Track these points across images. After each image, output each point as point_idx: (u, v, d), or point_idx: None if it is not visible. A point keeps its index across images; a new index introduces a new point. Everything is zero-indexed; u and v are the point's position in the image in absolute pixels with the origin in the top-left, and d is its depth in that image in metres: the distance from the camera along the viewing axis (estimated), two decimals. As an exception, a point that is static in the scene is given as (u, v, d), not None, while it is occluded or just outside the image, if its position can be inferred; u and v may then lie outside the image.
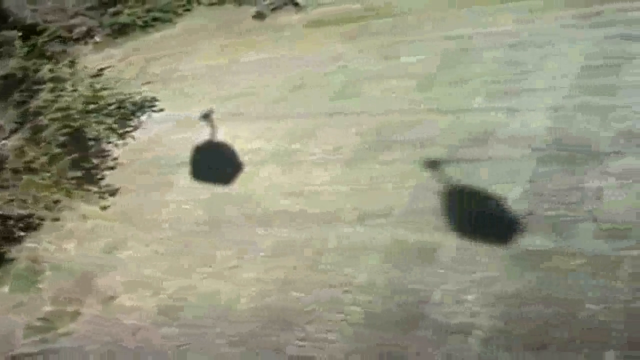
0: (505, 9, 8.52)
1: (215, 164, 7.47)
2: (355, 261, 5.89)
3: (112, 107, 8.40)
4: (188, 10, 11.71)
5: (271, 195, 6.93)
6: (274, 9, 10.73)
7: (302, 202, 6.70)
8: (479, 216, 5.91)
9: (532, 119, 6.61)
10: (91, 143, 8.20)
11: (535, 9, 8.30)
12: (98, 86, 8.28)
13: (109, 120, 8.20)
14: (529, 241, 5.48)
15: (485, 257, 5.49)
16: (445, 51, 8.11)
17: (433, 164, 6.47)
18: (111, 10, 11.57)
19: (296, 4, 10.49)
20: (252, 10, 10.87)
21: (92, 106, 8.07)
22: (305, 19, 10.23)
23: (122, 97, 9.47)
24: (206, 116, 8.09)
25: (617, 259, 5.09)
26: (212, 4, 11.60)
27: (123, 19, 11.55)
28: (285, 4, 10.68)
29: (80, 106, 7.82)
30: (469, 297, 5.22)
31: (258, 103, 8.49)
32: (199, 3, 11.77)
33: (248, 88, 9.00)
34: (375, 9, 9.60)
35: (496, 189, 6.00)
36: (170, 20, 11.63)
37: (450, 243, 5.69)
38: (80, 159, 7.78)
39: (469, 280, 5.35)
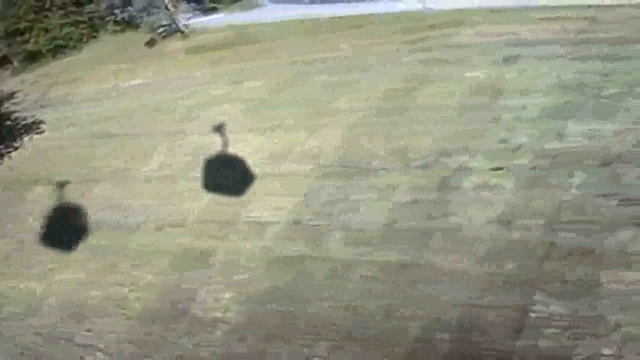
0: (349, 35, 9.19)
1: (227, 176, 7.55)
2: (146, 265, 6.49)
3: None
4: (94, 37, 12.55)
5: (96, 208, 7.57)
6: (165, 37, 11.54)
7: (120, 214, 7.33)
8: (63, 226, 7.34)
9: (327, 138, 7.20)
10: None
11: (374, 35, 8.95)
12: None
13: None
14: (289, 247, 6.04)
15: (250, 261, 6.04)
16: (284, 75, 8.77)
17: (60, 184, 7.82)
18: (19, 39, 12.47)
19: (182, 32, 11.30)
20: (147, 37, 11.71)
21: None
22: (187, 46, 11.01)
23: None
24: (218, 129, 8.16)
25: (355, 262, 5.63)
26: (115, 32, 12.45)
27: (30, 47, 12.45)
28: (175, 32, 11.49)
29: None
30: (226, 296, 5.79)
31: (119, 125, 9.16)
32: (106, 30, 12.61)
33: (118, 111, 9.71)
34: (246, 37, 10.32)
35: (274, 201, 6.58)
36: (76, 47, 12.49)
37: (224, 249, 6.27)
38: None
39: (231, 281, 5.92)
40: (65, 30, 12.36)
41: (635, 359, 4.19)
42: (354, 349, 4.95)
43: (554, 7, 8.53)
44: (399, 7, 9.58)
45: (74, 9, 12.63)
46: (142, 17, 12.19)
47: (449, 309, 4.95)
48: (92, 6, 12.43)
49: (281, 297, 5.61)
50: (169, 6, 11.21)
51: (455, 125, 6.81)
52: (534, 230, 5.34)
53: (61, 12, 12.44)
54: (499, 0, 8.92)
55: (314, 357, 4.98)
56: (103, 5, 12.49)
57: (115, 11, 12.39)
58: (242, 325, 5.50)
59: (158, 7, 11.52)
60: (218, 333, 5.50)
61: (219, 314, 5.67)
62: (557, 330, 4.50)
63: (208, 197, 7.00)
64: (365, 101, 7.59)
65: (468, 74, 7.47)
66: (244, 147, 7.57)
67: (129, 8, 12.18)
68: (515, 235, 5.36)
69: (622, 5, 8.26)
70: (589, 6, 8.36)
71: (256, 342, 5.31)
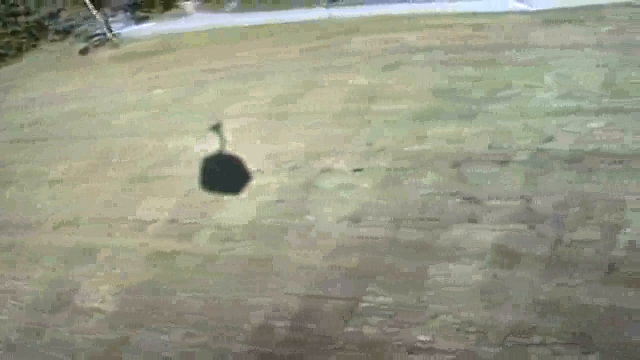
0: (258, 43, 9.74)
1: (224, 174, 7.55)
2: (40, 260, 7.01)
3: None
4: (34, 46, 13.09)
5: (10, 208, 8.09)
6: (97, 45, 12.08)
7: (24, 214, 7.85)
8: None
9: (213, 142, 7.73)
10: None
11: (279, 43, 9.47)
12: None
13: None
14: (164, 244, 6.56)
15: (129, 256, 6.55)
16: (190, 83, 9.30)
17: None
18: (-42, 47, 13.03)
19: (112, 41, 11.86)
20: (82, 46, 12.28)
21: None
22: (115, 54, 11.54)
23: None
24: (215, 128, 8.13)
25: (218, 257, 6.15)
26: (54, 41, 12.99)
27: (-31, 55, 13.02)
28: (108, 40, 12.03)
29: None
30: (105, 288, 6.31)
31: (41, 131, 9.69)
32: (46, 39, 13.16)
33: (43, 118, 10.24)
34: (168, 46, 10.85)
35: (157, 202, 7.11)
36: (16, 56, 13.03)
37: (109, 246, 6.79)
38: None
39: (111, 274, 6.43)
40: (4, 40, 12.90)
41: (445, 343, 4.70)
42: (204, 335, 5.45)
43: (443, 15, 9.04)
44: (309, 15, 10.10)
45: (11, 19, 13.20)
46: (78, 26, 12.70)
47: (291, 300, 5.46)
48: (23, 17, 12.97)
49: (150, 289, 6.12)
50: (98, 16, 11.72)
51: (329, 129, 7.32)
52: (380, 227, 5.84)
53: (-1, 23, 13.05)
54: (394, 8, 9.42)
55: (169, 342, 5.47)
56: (36, 16, 13.03)
57: (46, 21, 12.92)
58: (114, 314, 6.01)
59: (92, 17, 12.03)
60: (93, 321, 6.01)
61: (96, 304, 6.18)
62: (381, 319, 4.99)
63: (101, 199, 7.52)
64: (255, 107, 8.11)
65: (350, 81, 7.98)
66: (145, 150, 8.10)
67: (58, 20, 12.72)
68: (363, 231, 5.86)
69: (507, 13, 8.76)
70: (475, 13, 8.87)
71: (123, 329, 5.81)
